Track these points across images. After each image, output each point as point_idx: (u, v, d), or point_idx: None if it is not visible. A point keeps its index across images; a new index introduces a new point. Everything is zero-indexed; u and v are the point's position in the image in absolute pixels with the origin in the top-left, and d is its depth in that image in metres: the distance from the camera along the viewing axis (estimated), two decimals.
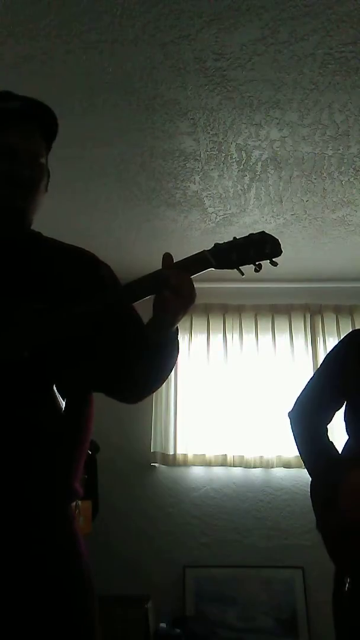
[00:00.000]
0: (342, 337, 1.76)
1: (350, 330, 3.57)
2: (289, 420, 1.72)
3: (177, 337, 1.15)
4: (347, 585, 1.38)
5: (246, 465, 3.52)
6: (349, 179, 2.60)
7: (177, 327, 1.12)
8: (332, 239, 3.25)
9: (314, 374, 1.75)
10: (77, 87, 1.99)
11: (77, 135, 2.26)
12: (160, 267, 1.09)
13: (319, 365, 1.77)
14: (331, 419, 1.68)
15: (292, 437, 1.69)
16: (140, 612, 3.07)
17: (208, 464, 3.53)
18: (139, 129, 2.23)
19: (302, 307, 3.77)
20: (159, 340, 1.10)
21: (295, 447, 1.68)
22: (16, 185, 1.13)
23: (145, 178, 2.59)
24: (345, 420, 1.64)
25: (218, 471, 3.57)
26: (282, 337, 3.72)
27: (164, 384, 4.04)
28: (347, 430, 1.64)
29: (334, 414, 1.69)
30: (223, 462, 3.51)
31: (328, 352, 1.75)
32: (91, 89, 2.00)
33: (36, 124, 1.18)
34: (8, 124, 1.15)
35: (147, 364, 1.13)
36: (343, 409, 1.66)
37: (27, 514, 1.05)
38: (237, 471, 3.56)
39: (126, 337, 1.14)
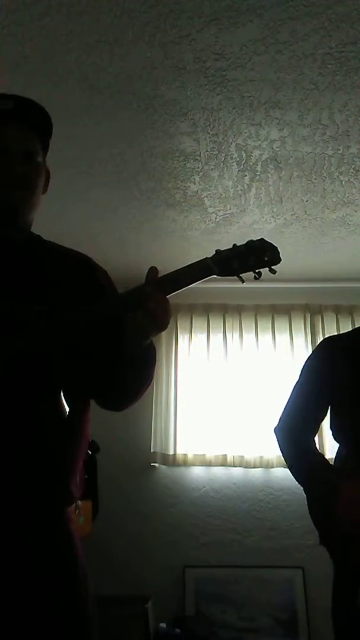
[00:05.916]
0: (313, 349, 1.74)
1: None
2: (275, 436, 1.70)
3: (151, 350, 1.15)
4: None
5: (246, 465, 3.52)
6: (349, 179, 2.60)
7: (151, 341, 1.13)
8: (332, 239, 3.25)
9: (293, 388, 1.72)
10: (77, 87, 1.99)
11: (77, 135, 2.26)
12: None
13: (296, 380, 1.74)
14: (317, 431, 1.68)
15: (280, 453, 1.68)
16: (140, 612, 3.07)
17: (208, 464, 3.53)
18: (139, 129, 2.23)
19: (302, 307, 3.77)
20: (131, 352, 1.10)
21: (285, 461, 1.67)
22: (10, 184, 1.13)
23: (145, 178, 2.59)
24: (331, 429, 1.64)
25: (218, 471, 3.57)
26: (282, 337, 3.72)
27: (165, 384, 4.01)
28: (335, 439, 1.63)
29: (319, 425, 1.69)
30: (223, 462, 3.51)
31: (302, 365, 1.73)
32: (91, 89, 2.00)
33: (30, 123, 1.17)
34: (1, 124, 1.15)
35: (123, 373, 1.14)
36: (328, 418, 1.66)
37: (25, 516, 1.05)
38: (237, 471, 3.56)
39: (110, 345, 1.14)
